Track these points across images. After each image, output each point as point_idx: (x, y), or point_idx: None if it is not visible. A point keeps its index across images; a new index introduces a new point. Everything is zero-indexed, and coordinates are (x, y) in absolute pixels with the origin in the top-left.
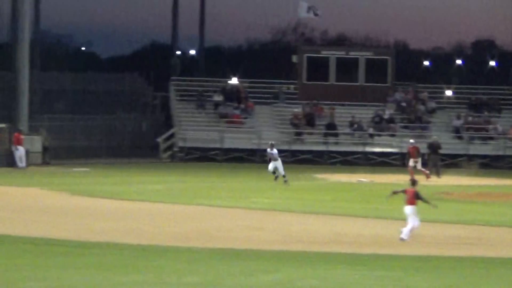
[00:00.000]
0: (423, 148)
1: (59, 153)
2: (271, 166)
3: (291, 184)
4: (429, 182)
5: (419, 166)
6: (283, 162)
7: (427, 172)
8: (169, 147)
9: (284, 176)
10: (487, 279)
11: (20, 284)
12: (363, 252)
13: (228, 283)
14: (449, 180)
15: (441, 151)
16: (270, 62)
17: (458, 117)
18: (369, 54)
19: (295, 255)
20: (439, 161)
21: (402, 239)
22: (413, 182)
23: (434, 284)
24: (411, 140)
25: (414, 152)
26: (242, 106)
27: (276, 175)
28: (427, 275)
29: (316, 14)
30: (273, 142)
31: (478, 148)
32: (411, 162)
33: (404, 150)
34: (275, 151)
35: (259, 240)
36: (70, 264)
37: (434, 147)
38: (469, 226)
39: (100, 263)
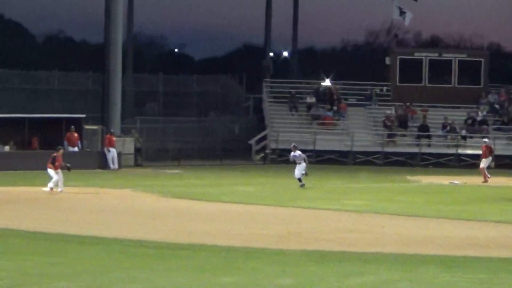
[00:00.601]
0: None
1: (151, 155)
2: (297, 172)
3: (382, 185)
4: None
5: (485, 165)
6: (375, 165)
7: (485, 174)
8: (261, 149)
9: (300, 180)
10: None
11: (113, 286)
12: (456, 254)
13: (321, 286)
14: None
15: None
16: (363, 64)
17: None
18: (462, 56)
19: (387, 257)
20: None
21: None
22: None
23: None
24: (485, 139)
25: (486, 152)
26: (335, 108)
27: (302, 183)
28: None
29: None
30: (295, 144)
31: None
32: (482, 163)
33: (497, 153)
34: (298, 153)
35: (352, 242)
36: (161, 266)
37: None
38: None
39: (191, 265)
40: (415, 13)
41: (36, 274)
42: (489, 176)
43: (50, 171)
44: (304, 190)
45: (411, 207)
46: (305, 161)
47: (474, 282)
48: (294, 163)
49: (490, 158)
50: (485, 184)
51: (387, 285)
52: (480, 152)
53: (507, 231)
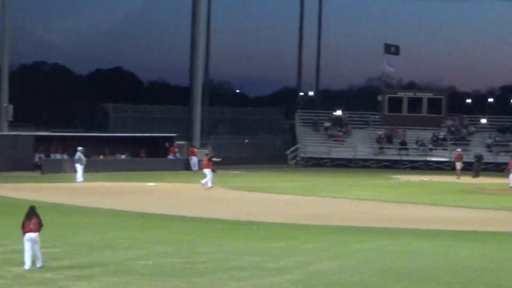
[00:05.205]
0: (470, 157)
1: (221, 162)
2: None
3: (375, 182)
4: (467, 181)
5: (459, 167)
6: (370, 168)
7: (459, 174)
8: (294, 157)
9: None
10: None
11: (202, 248)
12: (427, 228)
13: (335, 249)
14: (482, 180)
15: (483, 161)
16: (363, 100)
17: (490, 137)
18: (430, 94)
19: (379, 230)
20: (480, 166)
21: None
22: None
23: (474, 251)
24: (458, 149)
25: (459, 157)
26: (344, 129)
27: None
28: (469, 244)
29: (392, 69)
30: (207, 152)
31: (503, 158)
32: (457, 165)
33: (453, 159)
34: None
35: (356, 219)
36: (230, 236)
37: (478, 157)
38: (495, 210)
39: (248, 235)
40: (397, 66)
41: (144, 241)
42: (459, 176)
43: (206, 170)
44: (323, 184)
45: (394, 196)
46: None
47: (440, 247)
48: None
49: (461, 162)
50: (458, 180)
51: (380, 248)
52: (443, 159)
53: (463, 212)
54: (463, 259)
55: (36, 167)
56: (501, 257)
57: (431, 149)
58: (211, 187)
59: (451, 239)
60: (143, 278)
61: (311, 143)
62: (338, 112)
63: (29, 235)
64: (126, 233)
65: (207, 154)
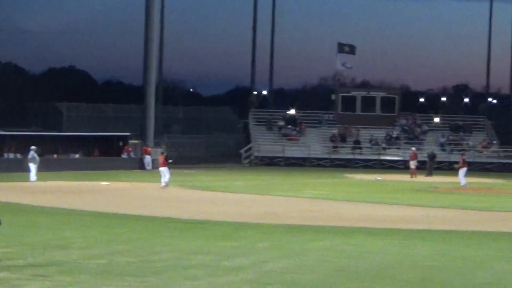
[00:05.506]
0: (423, 156)
1: (174, 160)
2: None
3: (329, 181)
4: (421, 179)
5: (414, 166)
6: (324, 167)
7: (415, 172)
8: (248, 156)
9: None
10: (468, 247)
11: (156, 247)
12: (379, 227)
13: (289, 247)
14: (435, 178)
15: (436, 159)
16: (317, 99)
17: (443, 136)
18: (383, 94)
19: (334, 228)
20: (433, 165)
21: None
22: None
23: (428, 249)
24: (412, 148)
25: (413, 156)
26: (298, 128)
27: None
28: (422, 242)
29: (347, 67)
30: (163, 151)
31: (456, 157)
32: (411, 164)
33: (407, 158)
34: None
35: (309, 218)
36: (183, 235)
37: (431, 156)
38: (449, 209)
39: (201, 234)
40: (352, 65)
41: (98, 240)
42: (414, 175)
43: (162, 169)
44: (277, 183)
45: (348, 195)
46: None
47: (394, 245)
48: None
49: (415, 161)
50: (412, 179)
51: (334, 247)
52: (397, 158)
53: (414, 211)
54: (416, 258)
55: None
56: (455, 255)
57: (384, 148)
58: (166, 186)
59: (405, 238)
60: (98, 277)
61: (265, 142)
62: (292, 111)
63: None
64: (80, 233)
65: (162, 153)
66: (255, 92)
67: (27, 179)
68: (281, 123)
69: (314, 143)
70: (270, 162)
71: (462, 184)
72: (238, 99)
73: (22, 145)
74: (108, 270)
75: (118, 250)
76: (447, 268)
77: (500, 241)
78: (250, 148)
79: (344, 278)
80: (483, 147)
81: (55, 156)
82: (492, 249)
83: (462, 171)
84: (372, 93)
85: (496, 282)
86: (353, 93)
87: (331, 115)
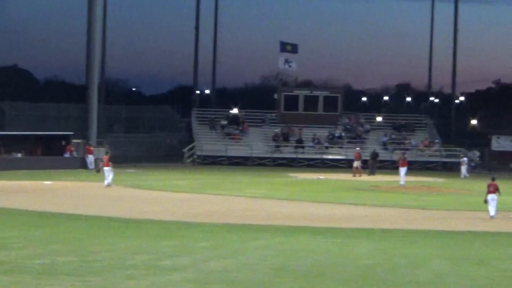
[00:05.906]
0: (366, 155)
1: (116, 160)
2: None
3: (271, 180)
4: (363, 178)
5: (358, 165)
6: (267, 166)
7: (361, 171)
8: (191, 155)
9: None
10: (408, 245)
11: (93, 248)
12: (320, 226)
13: (230, 246)
14: (378, 177)
15: (379, 158)
16: (259, 98)
17: (385, 135)
18: (326, 93)
19: (275, 227)
20: (376, 164)
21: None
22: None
23: (369, 247)
24: (357, 148)
25: (358, 156)
26: (240, 127)
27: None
28: (363, 241)
29: (290, 66)
30: (107, 151)
31: (398, 155)
32: (355, 163)
33: (349, 157)
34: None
35: (251, 217)
36: (123, 234)
37: (373, 155)
38: (390, 208)
39: (142, 233)
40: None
41: (38, 239)
42: (357, 174)
43: (106, 169)
44: (219, 182)
45: (290, 194)
46: None
47: (334, 244)
48: None
49: (360, 161)
50: (354, 178)
51: (275, 246)
52: (339, 157)
53: (355, 210)
54: (357, 256)
55: None
56: (395, 253)
57: (327, 147)
58: (109, 185)
59: (345, 237)
60: (38, 277)
61: (207, 141)
62: (235, 110)
63: None
64: (20, 232)
65: (107, 153)
66: (197, 91)
67: None
68: (224, 122)
69: (257, 142)
70: (213, 161)
71: (401, 183)
72: (181, 98)
73: None
74: (48, 270)
75: (59, 249)
76: (387, 266)
77: (440, 239)
78: (193, 147)
79: (285, 277)
80: (425, 146)
81: None
82: (432, 247)
83: (403, 169)
84: (315, 92)
85: (436, 280)
86: (296, 92)
87: (274, 114)
